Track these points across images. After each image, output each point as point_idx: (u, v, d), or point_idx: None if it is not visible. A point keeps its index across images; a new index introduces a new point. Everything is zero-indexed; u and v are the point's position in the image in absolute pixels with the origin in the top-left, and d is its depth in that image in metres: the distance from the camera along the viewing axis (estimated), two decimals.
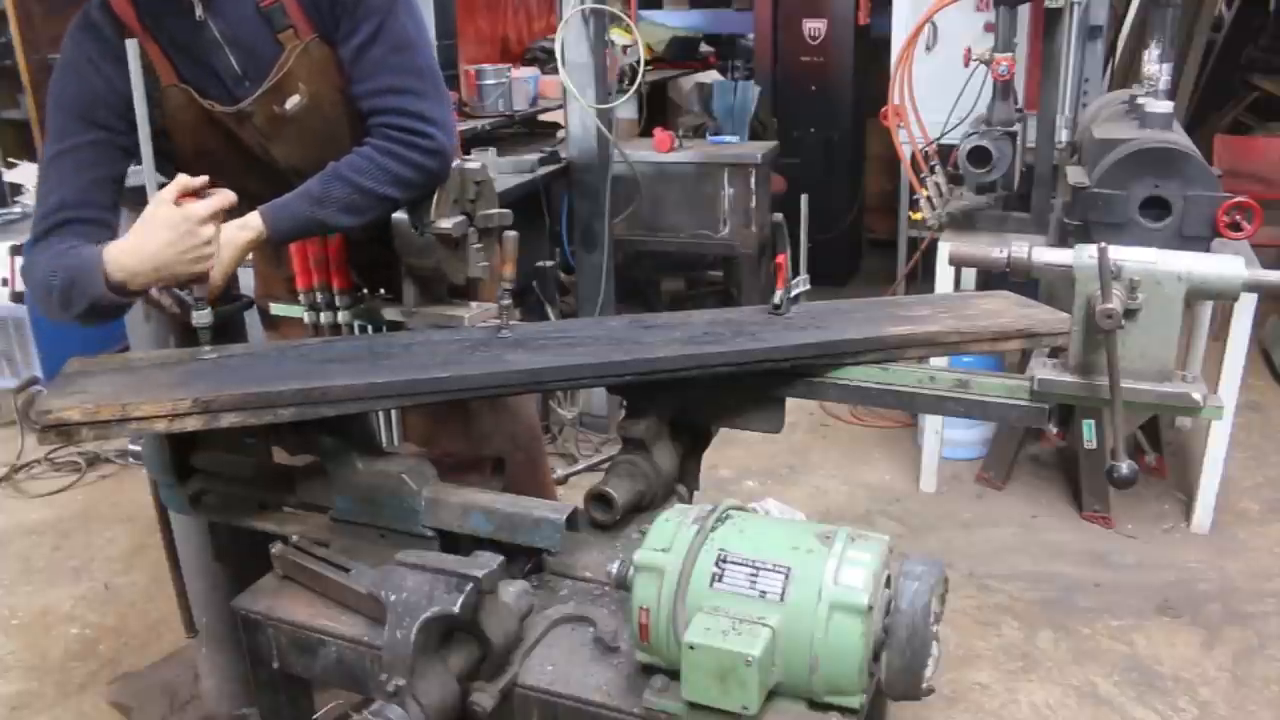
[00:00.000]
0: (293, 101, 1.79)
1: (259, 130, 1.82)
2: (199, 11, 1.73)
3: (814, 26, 5.55)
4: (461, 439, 2.10)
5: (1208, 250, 2.63)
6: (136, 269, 1.63)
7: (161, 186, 1.66)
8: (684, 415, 1.67)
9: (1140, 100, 3.04)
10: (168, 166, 1.80)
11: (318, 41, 1.78)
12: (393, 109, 1.77)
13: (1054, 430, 3.59)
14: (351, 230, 1.80)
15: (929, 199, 3.48)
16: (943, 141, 3.64)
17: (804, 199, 1.90)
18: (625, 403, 1.71)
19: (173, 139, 1.83)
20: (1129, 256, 1.39)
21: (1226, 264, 1.40)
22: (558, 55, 3.71)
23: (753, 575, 1.19)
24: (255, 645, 1.53)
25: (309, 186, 1.74)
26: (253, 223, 1.71)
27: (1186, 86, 5.00)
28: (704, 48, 6.22)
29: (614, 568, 1.29)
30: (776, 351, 1.55)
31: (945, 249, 3.24)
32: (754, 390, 1.61)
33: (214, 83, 1.79)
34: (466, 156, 3.50)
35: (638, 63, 4.30)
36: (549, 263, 3.97)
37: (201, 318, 1.68)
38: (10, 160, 4.94)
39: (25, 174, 4.62)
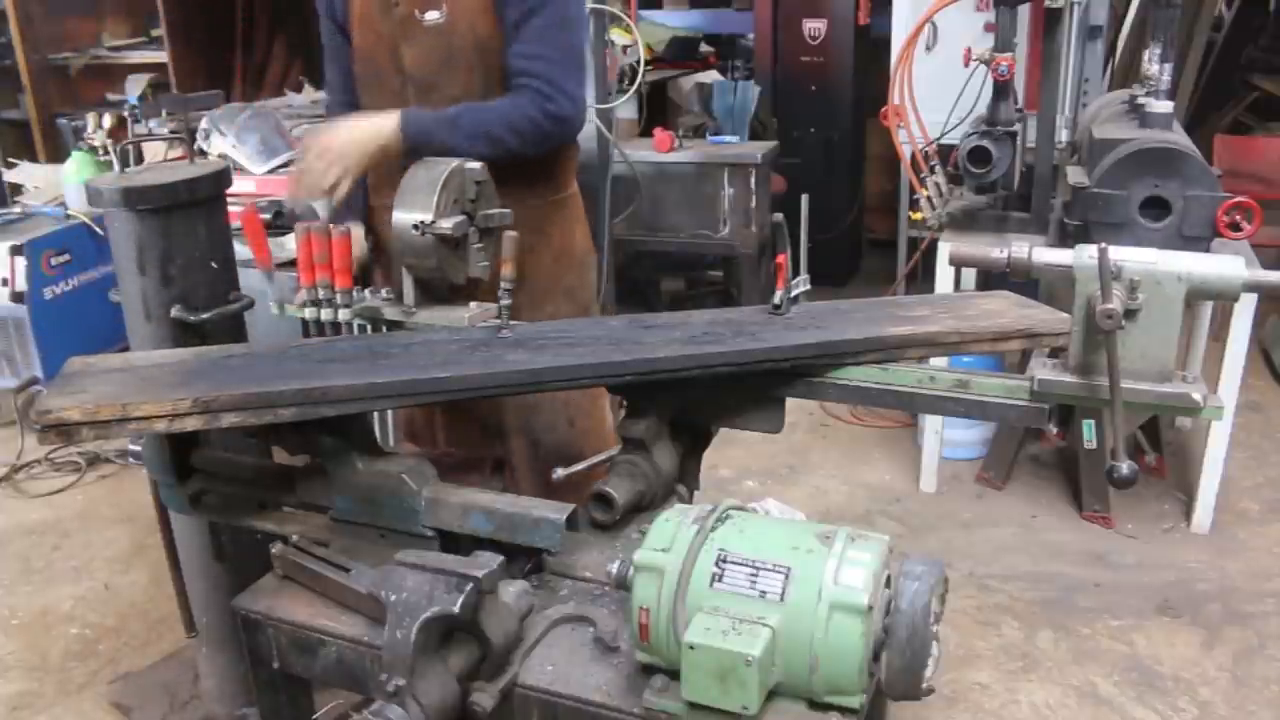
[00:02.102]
0: (432, 16, 2.02)
1: (398, 26, 2.06)
2: None
3: (814, 26, 5.54)
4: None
5: (1208, 250, 2.64)
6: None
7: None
8: (684, 415, 1.67)
9: (1140, 100, 3.05)
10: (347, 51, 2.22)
11: None
12: (539, 75, 2.01)
13: (1054, 430, 3.59)
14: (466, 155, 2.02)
15: (929, 199, 3.48)
16: (943, 141, 3.63)
17: (804, 199, 1.90)
18: (625, 403, 1.71)
19: (352, 44, 2.17)
20: (1129, 256, 1.39)
21: (1226, 264, 1.40)
22: None
23: (753, 575, 1.19)
24: (255, 645, 1.53)
25: (444, 111, 2.01)
26: (386, 127, 1.97)
27: (1186, 86, 5.00)
28: (704, 48, 6.21)
29: (614, 568, 1.29)
30: (776, 351, 1.55)
31: (945, 249, 3.25)
32: (754, 390, 1.61)
33: None
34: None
35: (638, 63, 4.30)
36: None
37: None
38: (10, 160, 4.94)
39: (25, 174, 4.62)
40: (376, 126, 1.99)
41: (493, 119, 2.00)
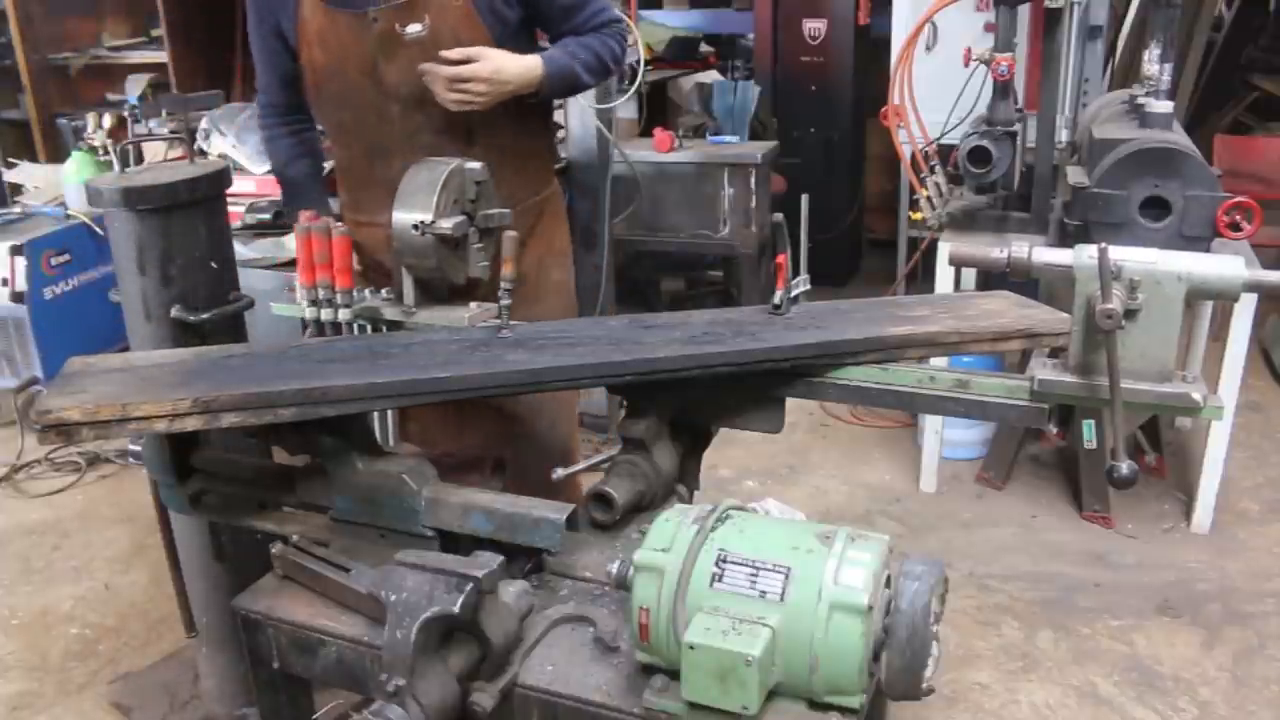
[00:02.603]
0: (414, 29, 1.96)
1: (376, 41, 2.00)
2: None
3: (814, 26, 5.54)
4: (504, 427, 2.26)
5: (1208, 250, 2.64)
6: None
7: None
8: (684, 415, 1.67)
9: (1140, 100, 3.04)
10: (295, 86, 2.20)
11: None
12: (610, 19, 2.11)
13: (1054, 430, 3.59)
14: (577, 90, 2.16)
15: (929, 199, 3.48)
16: (943, 141, 3.63)
17: (804, 199, 1.90)
18: (625, 403, 1.71)
19: (304, 60, 2.11)
20: (1129, 256, 1.39)
21: (1226, 264, 1.40)
22: None
23: (753, 575, 1.19)
24: (255, 645, 1.53)
25: (558, 50, 2.05)
26: (536, 70, 2.00)
27: (1186, 86, 5.00)
28: (704, 48, 6.20)
29: (614, 568, 1.29)
30: (776, 351, 1.55)
31: (945, 249, 3.24)
32: (754, 390, 1.61)
33: None
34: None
35: (638, 63, 4.29)
36: None
37: None
38: (10, 160, 4.94)
39: (25, 174, 4.62)
40: (529, 68, 2.01)
41: (599, 49, 2.09)
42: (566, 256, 2.41)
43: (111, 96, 5.60)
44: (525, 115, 2.13)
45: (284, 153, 2.30)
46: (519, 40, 2.07)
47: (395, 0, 1.98)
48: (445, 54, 1.94)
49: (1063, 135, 3.32)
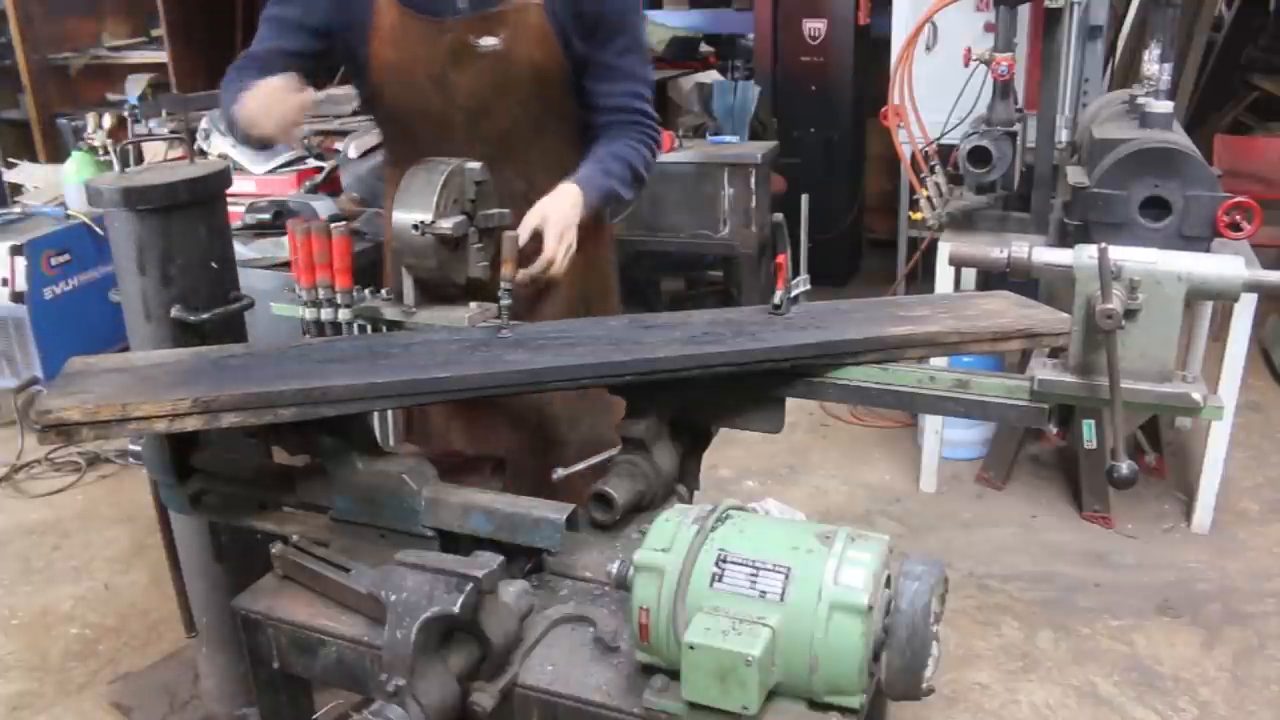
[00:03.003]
0: (488, 41, 1.94)
1: (448, 51, 1.96)
2: None
3: (814, 26, 5.54)
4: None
5: (1208, 250, 2.64)
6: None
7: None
8: (684, 415, 1.67)
9: (1140, 100, 3.04)
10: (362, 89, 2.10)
11: (539, 11, 1.94)
12: (643, 112, 2.08)
13: (1054, 430, 3.59)
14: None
15: (929, 199, 3.48)
16: (943, 141, 3.63)
17: (804, 199, 1.91)
18: (625, 402, 1.71)
19: (371, 56, 2.00)
20: (1129, 256, 1.39)
21: (1226, 264, 1.40)
22: None
23: (753, 575, 1.19)
24: (255, 645, 1.53)
25: (592, 168, 2.00)
26: (576, 199, 1.93)
27: (1186, 86, 4.99)
28: (704, 48, 6.21)
29: (614, 568, 1.29)
30: (776, 351, 1.55)
31: (945, 249, 3.24)
32: (754, 390, 1.61)
33: None
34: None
35: None
36: None
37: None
38: (10, 160, 4.94)
39: (25, 174, 4.62)
40: (574, 199, 1.94)
41: (633, 159, 2.05)
42: (611, 264, 2.41)
43: (111, 96, 5.61)
44: (569, 129, 2.12)
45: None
46: (577, 67, 2.04)
47: (474, 12, 1.94)
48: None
49: (1063, 135, 3.33)
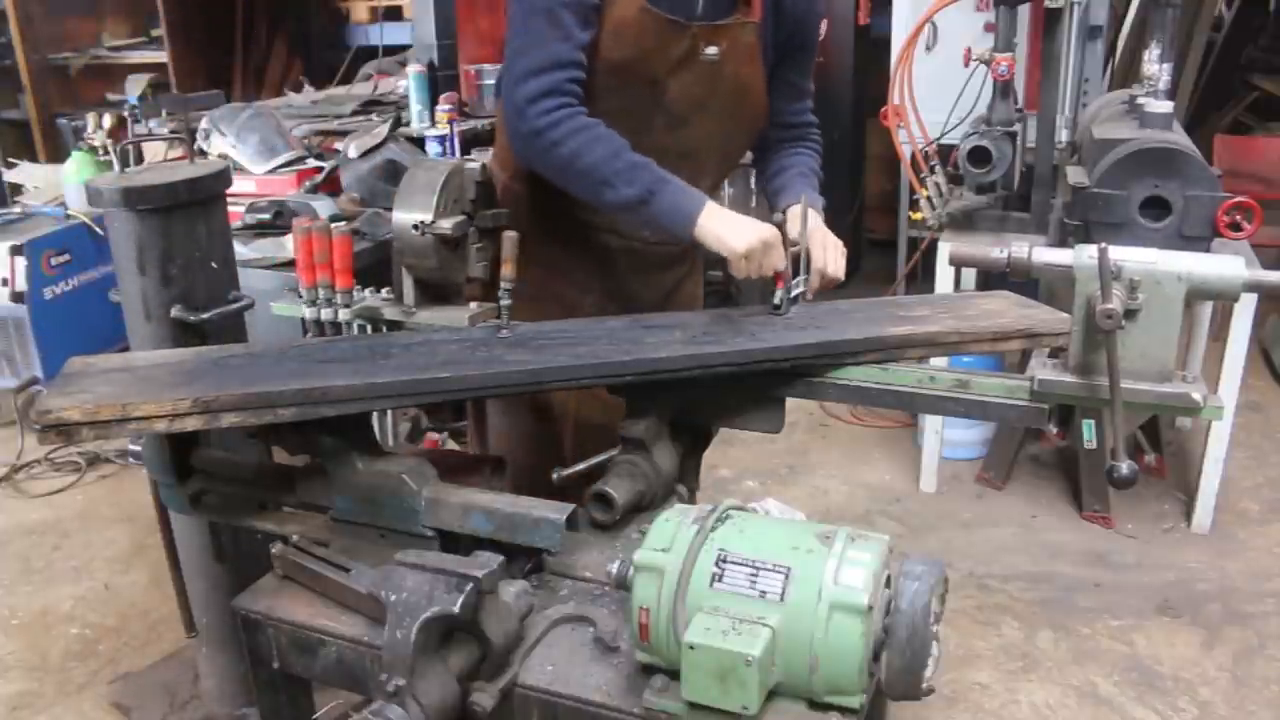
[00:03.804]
0: (711, 50, 1.92)
1: (680, 54, 1.91)
2: None
3: None
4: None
5: (1208, 250, 2.63)
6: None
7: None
8: (684, 415, 1.67)
9: (1140, 100, 3.04)
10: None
11: (755, 29, 1.95)
12: (816, 125, 2.16)
13: (1054, 430, 3.59)
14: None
15: (929, 199, 3.48)
16: (943, 141, 3.63)
17: (804, 198, 1.90)
18: (625, 402, 1.71)
19: (599, 51, 1.86)
20: (1129, 256, 1.39)
21: (1226, 264, 1.40)
22: None
23: (753, 575, 1.19)
24: (255, 645, 1.53)
25: (802, 184, 2.02)
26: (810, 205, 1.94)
27: (1186, 86, 4.99)
28: None
29: (614, 568, 1.29)
30: (776, 351, 1.55)
31: (945, 249, 3.24)
32: (754, 390, 1.61)
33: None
34: (467, 156, 3.51)
35: None
36: None
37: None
38: (10, 160, 4.94)
39: (25, 174, 4.62)
40: (814, 211, 1.92)
41: (819, 171, 2.12)
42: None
43: (111, 96, 5.61)
44: (741, 147, 2.15)
45: (617, 138, 1.82)
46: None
47: (710, 21, 1.89)
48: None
49: (1063, 135, 3.33)
